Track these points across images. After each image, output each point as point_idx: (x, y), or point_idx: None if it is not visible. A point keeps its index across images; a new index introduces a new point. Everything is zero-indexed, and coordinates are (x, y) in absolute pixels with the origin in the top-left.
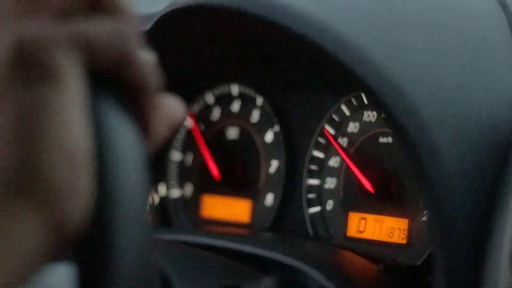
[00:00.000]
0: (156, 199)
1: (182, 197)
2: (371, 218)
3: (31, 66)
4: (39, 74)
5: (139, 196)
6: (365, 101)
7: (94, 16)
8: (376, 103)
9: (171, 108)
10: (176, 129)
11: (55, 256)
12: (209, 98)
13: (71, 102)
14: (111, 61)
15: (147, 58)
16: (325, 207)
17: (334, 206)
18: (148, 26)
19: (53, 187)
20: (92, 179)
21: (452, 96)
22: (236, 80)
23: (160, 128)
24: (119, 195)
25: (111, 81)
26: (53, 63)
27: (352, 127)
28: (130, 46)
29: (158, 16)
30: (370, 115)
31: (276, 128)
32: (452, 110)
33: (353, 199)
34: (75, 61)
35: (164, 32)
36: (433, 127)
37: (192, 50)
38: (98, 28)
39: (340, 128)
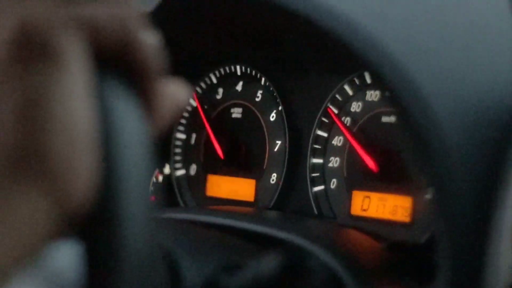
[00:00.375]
0: (161, 178)
1: (186, 176)
2: (374, 196)
3: (33, 48)
4: (42, 56)
5: (143, 177)
6: (368, 81)
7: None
8: (379, 82)
9: (175, 91)
10: (180, 111)
11: (60, 234)
12: (213, 78)
13: (74, 83)
14: (114, 44)
15: (150, 40)
16: (329, 186)
17: (338, 184)
18: (152, 7)
19: (57, 166)
20: (95, 159)
21: (454, 75)
22: (239, 60)
23: (165, 110)
24: (124, 176)
25: (115, 64)
26: (56, 45)
27: (355, 106)
28: (132, 29)
29: None
30: (373, 95)
31: (280, 107)
32: (454, 89)
33: (357, 177)
34: (77, 43)
35: (168, 14)
36: (435, 106)
37: (196, 31)
38: (100, 11)
39: (343, 107)
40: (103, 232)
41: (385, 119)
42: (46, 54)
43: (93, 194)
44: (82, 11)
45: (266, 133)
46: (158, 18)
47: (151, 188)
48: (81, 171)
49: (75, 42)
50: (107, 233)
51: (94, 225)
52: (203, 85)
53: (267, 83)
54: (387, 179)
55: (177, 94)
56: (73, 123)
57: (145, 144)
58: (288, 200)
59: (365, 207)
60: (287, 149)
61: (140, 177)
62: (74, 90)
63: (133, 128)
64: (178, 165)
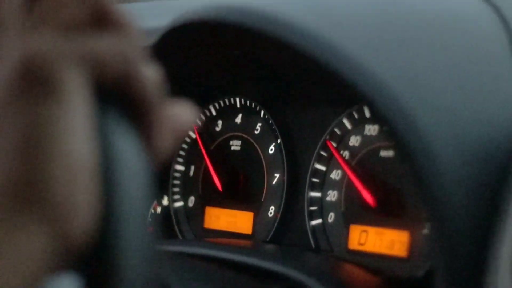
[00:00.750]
0: (159, 210)
1: (184, 208)
2: (372, 230)
3: (36, 81)
4: (44, 89)
5: (143, 210)
6: (367, 115)
7: (99, 33)
8: (377, 116)
9: (179, 116)
10: (180, 140)
11: (60, 268)
12: (212, 110)
13: (75, 118)
14: (116, 77)
15: (151, 74)
16: (327, 220)
17: (335, 218)
18: (153, 40)
19: (57, 201)
20: (96, 194)
21: (452, 109)
22: (239, 93)
23: (165, 143)
24: (124, 210)
25: (116, 97)
26: (58, 79)
27: (354, 140)
28: (134, 62)
29: (164, 30)
30: (371, 129)
31: (279, 140)
32: (452, 123)
33: (355, 211)
34: (80, 77)
35: (169, 46)
36: (433, 140)
37: (196, 64)
38: (102, 45)
39: (342, 141)
40: (103, 266)
41: (383, 153)
42: (48, 87)
43: (93, 229)
44: (84, 45)
45: (264, 166)
46: (160, 51)
47: (149, 219)
48: (81, 205)
49: (77, 76)
50: (106, 267)
51: (94, 259)
52: (202, 117)
53: (266, 116)
54: (384, 213)
55: (181, 120)
56: (74, 158)
57: (145, 179)
58: (286, 233)
59: (362, 241)
60: (285, 182)
61: (139, 211)
62: (75, 125)
63: (133, 162)
64: (176, 196)
